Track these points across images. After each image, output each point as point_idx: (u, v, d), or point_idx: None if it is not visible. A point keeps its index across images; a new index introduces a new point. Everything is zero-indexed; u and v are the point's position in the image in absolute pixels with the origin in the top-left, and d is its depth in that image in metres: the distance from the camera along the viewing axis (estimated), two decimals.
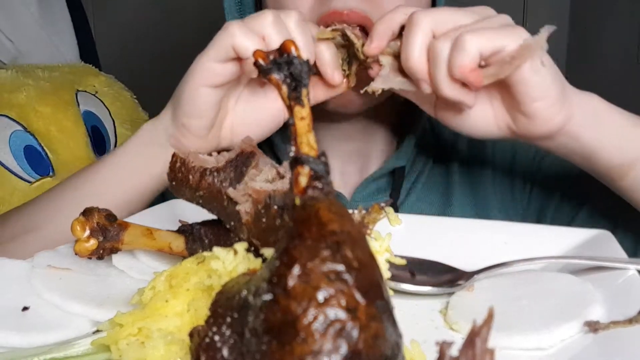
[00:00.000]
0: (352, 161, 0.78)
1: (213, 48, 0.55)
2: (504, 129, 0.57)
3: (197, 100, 0.57)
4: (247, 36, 0.54)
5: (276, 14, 0.55)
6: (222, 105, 0.60)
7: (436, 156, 0.79)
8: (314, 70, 0.59)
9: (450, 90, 0.52)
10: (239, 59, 0.55)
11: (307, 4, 0.65)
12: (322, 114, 0.75)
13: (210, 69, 0.56)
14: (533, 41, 0.49)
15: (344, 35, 0.58)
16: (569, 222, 0.70)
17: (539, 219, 0.74)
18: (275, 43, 0.53)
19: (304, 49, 0.55)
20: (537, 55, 0.50)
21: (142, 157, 0.64)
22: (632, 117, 0.57)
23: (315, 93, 0.61)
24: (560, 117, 0.54)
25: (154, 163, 0.62)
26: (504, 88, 0.54)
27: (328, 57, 0.58)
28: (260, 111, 0.62)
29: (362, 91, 0.58)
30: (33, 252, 0.61)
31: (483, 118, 0.57)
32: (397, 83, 0.57)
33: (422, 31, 0.53)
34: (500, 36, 0.50)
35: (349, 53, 0.60)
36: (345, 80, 0.60)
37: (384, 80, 0.57)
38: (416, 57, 0.53)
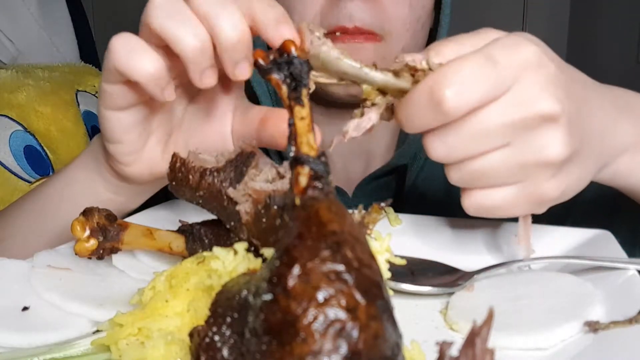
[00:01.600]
0: (356, 158, 0.78)
1: (104, 68, 0.46)
2: None
3: (107, 125, 0.49)
4: (135, 53, 0.43)
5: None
6: (163, 123, 0.51)
7: None
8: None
9: None
10: (128, 83, 0.45)
11: (313, 15, 0.65)
12: (327, 111, 0.75)
13: (106, 91, 0.47)
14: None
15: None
16: (568, 209, 0.70)
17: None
18: (180, 51, 0.42)
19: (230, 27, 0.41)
20: None
21: (84, 181, 0.57)
22: None
23: None
24: (588, 178, 0.47)
25: (96, 189, 0.56)
26: None
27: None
28: (211, 121, 0.53)
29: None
30: None
31: None
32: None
33: None
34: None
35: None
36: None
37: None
38: None
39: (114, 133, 0.49)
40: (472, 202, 0.43)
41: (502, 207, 0.43)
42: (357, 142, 0.74)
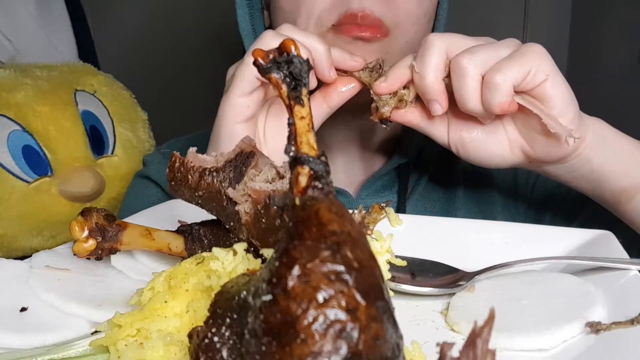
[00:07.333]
0: (358, 159, 0.79)
1: (238, 84, 0.57)
2: (518, 153, 0.58)
3: (234, 138, 0.56)
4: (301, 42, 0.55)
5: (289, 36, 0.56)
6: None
7: (440, 155, 0.79)
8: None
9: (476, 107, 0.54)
10: (262, 84, 0.58)
11: (325, 3, 0.65)
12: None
13: (240, 104, 0.58)
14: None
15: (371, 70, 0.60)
16: (569, 220, 0.70)
17: (539, 216, 0.74)
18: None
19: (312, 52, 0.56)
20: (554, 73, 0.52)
21: None
22: (636, 142, 0.59)
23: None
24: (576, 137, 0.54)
25: None
26: (521, 111, 0.55)
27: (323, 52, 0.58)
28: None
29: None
30: None
31: (498, 144, 0.58)
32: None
33: (438, 50, 0.54)
34: (521, 63, 0.52)
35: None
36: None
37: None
38: (431, 78, 0.55)
39: None
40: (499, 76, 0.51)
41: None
42: (360, 144, 0.75)
